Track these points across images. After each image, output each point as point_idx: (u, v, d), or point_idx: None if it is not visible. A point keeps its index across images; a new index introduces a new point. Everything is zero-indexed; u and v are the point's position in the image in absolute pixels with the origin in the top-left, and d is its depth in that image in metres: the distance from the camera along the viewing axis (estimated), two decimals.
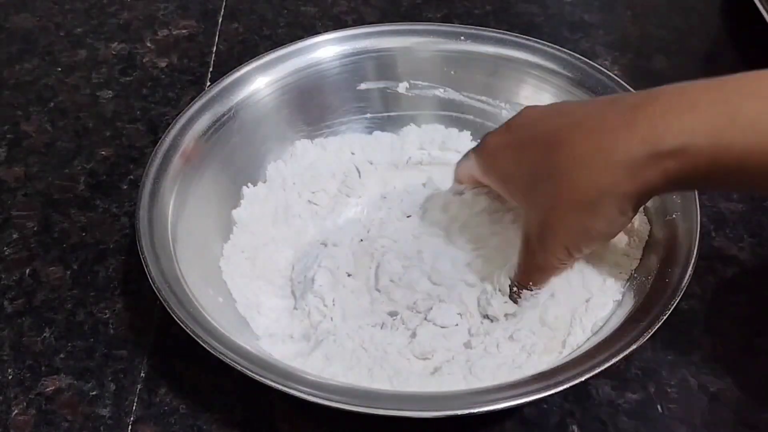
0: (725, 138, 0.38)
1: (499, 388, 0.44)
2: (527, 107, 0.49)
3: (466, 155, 0.52)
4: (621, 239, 0.51)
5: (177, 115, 0.56)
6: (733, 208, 0.60)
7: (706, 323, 0.53)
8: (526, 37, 0.62)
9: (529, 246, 0.47)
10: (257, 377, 0.42)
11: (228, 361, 0.43)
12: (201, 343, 0.43)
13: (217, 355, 0.43)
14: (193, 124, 0.55)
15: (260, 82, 0.59)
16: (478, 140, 0.52)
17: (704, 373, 0.51)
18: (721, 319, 0.53)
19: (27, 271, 0.56)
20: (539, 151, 0.44)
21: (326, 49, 0.61)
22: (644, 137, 0.40)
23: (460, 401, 0.42)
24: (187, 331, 0.44)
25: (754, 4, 0.72)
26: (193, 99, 0.58)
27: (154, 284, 0.46)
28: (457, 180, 0.54)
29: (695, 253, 0.47)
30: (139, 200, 0.51)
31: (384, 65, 0.62)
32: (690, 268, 0.46)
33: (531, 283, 0.48)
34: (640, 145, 0.40)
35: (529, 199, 0.46)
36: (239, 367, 0.42)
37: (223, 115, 0.57)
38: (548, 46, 0.60)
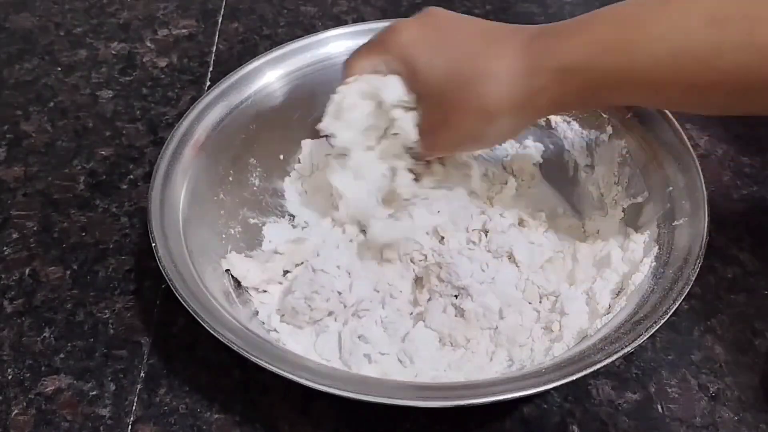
0: (594, 58, 0.45)
1: (492, 383, 0.44)
2: (432, 8, 0.52)
3: (366, 47, 0.53)
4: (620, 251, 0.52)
5: (186, 109, 0.57)
6: (733, 208, 0.60)
7: (706, 323, 0.53)
8: None
9: (423, 130, 0.52)
10: (256, 359, 0.42)
11: (227, 342, 0.43)
12: (201, 321, 0.44)
13: (215, 334, 0.43)
14: (207, 114, 0.56)
15: (272, 75, 0.60)
16: None
17: (704, 373, 0.51)
18: (721, 319, 0.54)
19: (27, 270, 0.56)
20: (455, 55, 0.49)
21: (339, 43, 0.62)
22: (536, 61, 0.47)
23: (448, 393, 0.43)
24: (188, 309, 0.44)
25: None
26: (193, 99, 0.58)
27: (160, 263, 0.46)
28: (350, 71, 0.54)
29: (700, 257, 0.47)
30: (152, 181, 0.51)
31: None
32: (694, 273, 0.46)
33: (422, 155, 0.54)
34: (532, 68, 0.47)
35: (433, 94, 0.50)
36: (237, 348, 0.42)
37: (237, 105, 0.58)
38: None
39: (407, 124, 0.52)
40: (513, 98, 0.47)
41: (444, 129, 0.50)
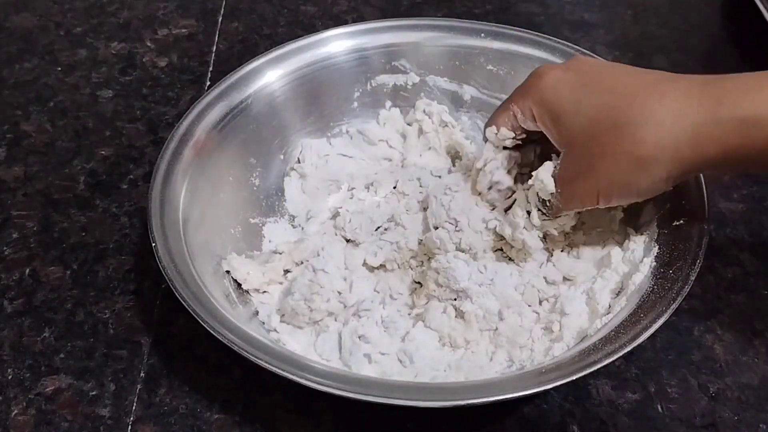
0: None
1: (492, 383, 0.44)
2: (580, 56, 0.51)
3: (510, 97, 0.51)
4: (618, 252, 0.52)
5: (186, 108, 0.57)
6: (733, 208, 0.61)
7: (706, 323, 0.53)
8: (545, 35, 0.62)
9: (562, 179, 0.48)
10: (256, 360, 0.42)
11: (227, 342, 0.43)
12: (201, 321, 0.44)
13: (215, 334, 0.43)
14: (207, 114, 0.56)
15: (272, 75, 0.60)
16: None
17: (704, 373, 0.51)
18: (721, 319, 0.53)
19: (27, 270, 0.56)
20: (606, 99, 0.46)
21: (339, 43, 0.62)
22: (713, 108, 0.43)
23: (448, 393, 0.43)
24: (188, 309, 0.44)
25: (755, 4, 0.72)
26: (193, 99, 0.58)
27: (160, 263, 0.46)
28: (496, 123, 0.52)
29: (700, 257, 0.47)
30: (152, 181, 0.51)
31: (396, 59, 0.63)
32: (694, 273, 0.46)
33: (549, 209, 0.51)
34: (708, 114, 0.43)
35: (579, 140, 0.47)
36: (237, 348, 0.42)
37: (237, 105, 0.58)
38: (565, 45, 0.61)
39: (545, 175, 0.49)
40: (676, 147, 0.43)
41: (588, 177, 0.47)
